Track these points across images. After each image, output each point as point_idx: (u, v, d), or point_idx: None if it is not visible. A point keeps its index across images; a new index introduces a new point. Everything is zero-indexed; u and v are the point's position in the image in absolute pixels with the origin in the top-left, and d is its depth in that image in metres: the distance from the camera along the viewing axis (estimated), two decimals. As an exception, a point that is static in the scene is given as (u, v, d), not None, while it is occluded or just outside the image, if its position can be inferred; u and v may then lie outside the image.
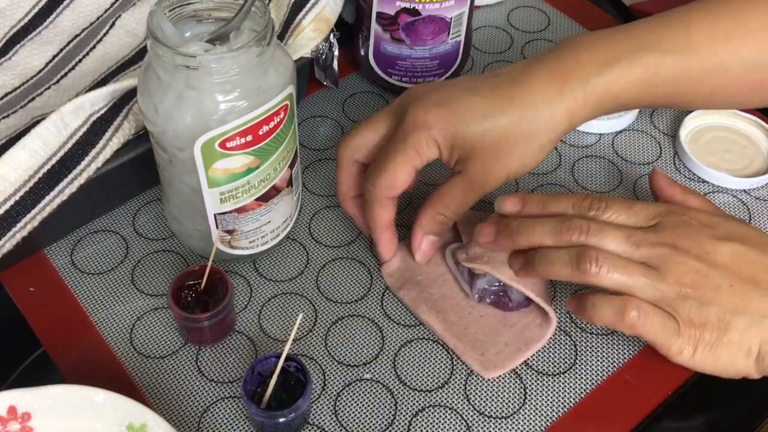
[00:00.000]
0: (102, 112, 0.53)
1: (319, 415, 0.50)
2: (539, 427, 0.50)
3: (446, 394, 0.51)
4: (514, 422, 0.50)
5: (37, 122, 0.52)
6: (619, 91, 0.50)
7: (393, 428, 0.50)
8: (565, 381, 0.52)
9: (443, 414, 0.51)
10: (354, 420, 0.50)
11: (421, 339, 0.54)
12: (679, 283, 0.47)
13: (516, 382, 0.52)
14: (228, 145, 0.47)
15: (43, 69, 0.64)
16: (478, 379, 0.52)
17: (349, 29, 0.68)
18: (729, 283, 0.47)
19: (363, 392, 0.51)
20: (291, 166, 0.53)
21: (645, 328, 0.48)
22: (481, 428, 0.50)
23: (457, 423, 0.50)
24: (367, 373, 0.52)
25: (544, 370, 0.52)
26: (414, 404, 0.51)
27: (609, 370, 0.52)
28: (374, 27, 0.64)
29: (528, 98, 0.49)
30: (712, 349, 0.48)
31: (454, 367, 0.53)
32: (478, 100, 0.49)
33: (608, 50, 0.50)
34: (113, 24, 0.66)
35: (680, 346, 0.48)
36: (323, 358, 0.53)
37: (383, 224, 0.54)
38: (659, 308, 0.48)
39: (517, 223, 0.50)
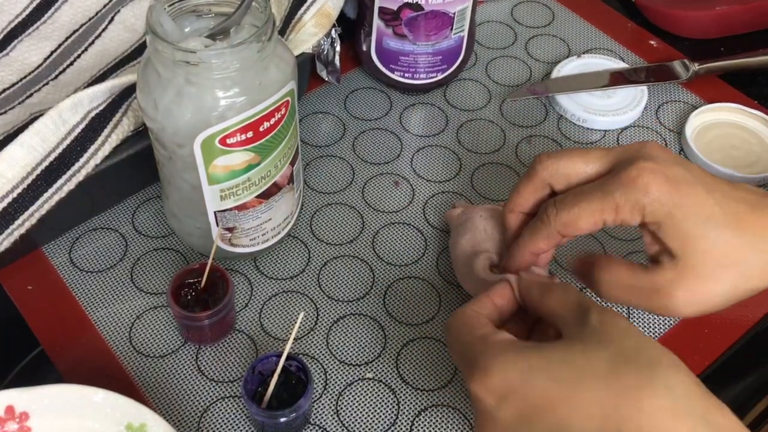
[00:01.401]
0: (101, 108, 0.53)
1: (320, 414, 0.50)
2: (543, 427, 0.50)
3: (449, 393, 0.51)
4: (517, 422, 0.50)
5: (35, 118, 0.52)
6: None
7: (395, 428, 0.50)
8: (570, 380, 0.52)
9: (446, 414, 0.50)
10: (356, 420, 0.50)
11: (423, 338, 0.54)
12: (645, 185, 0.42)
13: (520, 381, 0.52)
14: (228, 141, 0.47)
15: (41, 65, 0.64)
16: (482, 378, 0.52)
17: (351, 24, 0.68)
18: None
19: (365, 392, 0.51)
20: (292, 163, 0.53)
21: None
22: (485, 428, 0.50)
23: (460, 423, 0.50)
24: (369, 372, 0.52)
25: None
26: (417, 404, 0.51)
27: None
28: (376, 22, 0.64)
29: (761, 231, 0.42)
30: None
31: (457, 367, 0.52)
32: (711, 202, 0.42)
33: None
34: (112, 19, 0.66)
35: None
36: (325, 357, 0.53)
37: (532, 256, 0.47)
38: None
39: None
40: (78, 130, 0.52)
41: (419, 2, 0.61)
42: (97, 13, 0.66)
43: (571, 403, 0.36)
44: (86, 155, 0.52)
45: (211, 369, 0.52)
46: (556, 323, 0.41)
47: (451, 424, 0.50)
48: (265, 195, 0.52)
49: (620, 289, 0.44)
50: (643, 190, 0.42)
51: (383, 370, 0.52)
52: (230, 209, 0.51)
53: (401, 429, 0.50)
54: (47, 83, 0.62)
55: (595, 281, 0.45)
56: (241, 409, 0.50)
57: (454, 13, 0.62)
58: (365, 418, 0.50)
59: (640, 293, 0.43)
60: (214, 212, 0.51)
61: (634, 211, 0.43)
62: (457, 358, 0.42)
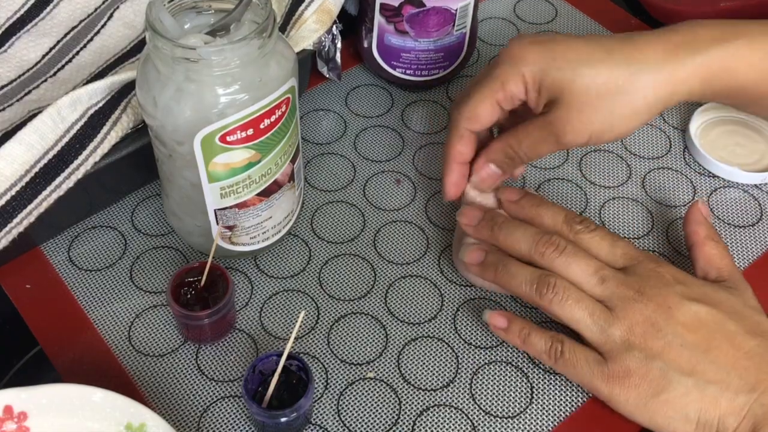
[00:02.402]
0: (100, 105, 0.53)
1: (321, 414, 0.50)
2: (547, 426, 0.50)
3: (451, 393, 0.51)
4: (520, 422, 0.50)
5: (34, 116, 0.52)
6: (736, 68, 0.47)
7: (397, 428, 0.50)
8: (573, 380, 0.51)
9: (448, 413, 0.50)
10: (357, 420, 0.50)
11: (425, 337, 0.53)
12: (630, 331, 0.46)
13: (523, 380, 0.51)
14: (228, 139, 0.47)
15: (39, 61, 0.64)
16: (484, 377, 0.52)
17: (352, 21, 0.68)
18: (680, 341, 0.45)
19: (366, 391, 0.51)
20: (293, 161, 0.53)
21: (566, 369, 0.48)
22: (487, 428, 0.50)
23: (462, 423, 0.50)
24: (370, 371, 0.52)
25: (551, 368, 0.52)
26: (418, 403, 0.50)
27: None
28: (378, 19, 0.63)
29: (632, 54, 0.47)
30: (646, 404, 0.45)
31: (460, 366, 0.52)
32: (580, 45, 0.48)
33: (728, 28, 0.47)
34: (111, 15, 0.66)
35: (610, 391, 0.46)
36: (326, 356, 0.52)
37: (456, 157, 0.53)
38: (592, 350, 0.47)
39: (502, 219, 0.50)
40: (77, 127, 0.52)
41: (421, -2, 0.61)
42: (96, 10, 0.66)
43: (729, 313, 0.47)
44: (85, 153, 0.52)
45: (211, 368, 0.52)
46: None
47: (452, 424, 0.50)
48: (266, 193, 0.52)
49: (533, 147, 0.50)
50: (516, 60, 0.48)
51: (385, 370, 0.52)
52: (230, 207, 0.51)
53: (403, 429, 0.49)
54: (46, 80, 0.62)
55: (516, 154, 0.51)
56: (241, 408, 0.50)
57: (456, 10, 0.62)
58: (366, 417, 0.50)
59: (543, 140, 0.49)
60: (214, 210, 0.51)
61: (517, 81, 0.49)
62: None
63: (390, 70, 0.67)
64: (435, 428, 0.50)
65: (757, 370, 0.44)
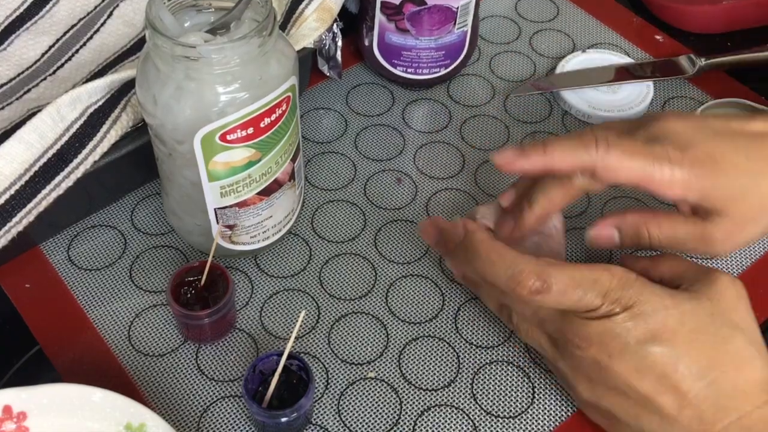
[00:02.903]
0: (99, 103, 0.53)
1: (321, 414, 0.50)
2: (548, 426, 0.50)
3: (452, 393, 0.51)
4: (522, 422, 0.50)
5: (33, 114, 0.51)
6: None
7: (398, 428, 0.49)
8: (575, 380, 0.51)
9: (449, 413, 0.50)
10: (358, 420, 0.49)
11: (426, 337, 0.53)
12: (573, 374, 0.46)
13: (524, 380, 0.51)
14: (229, 137, 0.47)
15: (39, 60, 0.63)
16: (485, 377, 0.51)
17: (352, 19, 0.68)
18: (624, 389, 0.43)
19: (367, 391, 0.51)
20: (293, 160, 0.52)
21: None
22: (488, 428, 0.49)
23: (463, 423, 0.49)
24: (371, 371, 0.52)
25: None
26: (419, 403, 0.50)
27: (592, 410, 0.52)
28: (378, 17, 0.63)
29: None
30: (605, 427, 0.47)
31: (461, 366, 0.52)
32: (742, 159, 0.46)
33: None
34: (111, 14, 0.66)
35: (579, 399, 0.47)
36: (326, 356, 0.52)
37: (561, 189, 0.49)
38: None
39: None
40: (76, 126, 0.52)
41: (422, -4, 0.60)
42: (95, 8, 0.66)
43: (690, 347, 0.42)
44: (85, 151, 0.52)
45: (211, 368, 0.51)
46: (672, 281, 0.46)
47: (454, 424, 0.49)
48: (266, 192, 0.51)
49: (672, 242, 0.48)
50: (685, 168, 0.45)
51: (385, 370, 0.52)
52: (230, 206, 0.51)
53: (404, 429, 0.49)
54: (45, 78, 0.62)
55: (646, 236, 0.49)
56: (241, 408, 0.50)
57: (457, 8, 0.62)
58: (367, 417, 0.50)
59: (688, 243, 0.48)
60: (214, 209, 0.51)
61: (675, 185, 0.46)
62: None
63: (391, 69, 0.67)
64: (436, 428, 0.49)
65: (699, 419, 0.42)
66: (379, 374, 0.51)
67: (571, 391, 0.48)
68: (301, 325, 0.53)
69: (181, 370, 0.51)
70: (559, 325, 0.45)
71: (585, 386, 0.45)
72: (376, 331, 0.53)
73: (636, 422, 0.43)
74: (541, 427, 0.49)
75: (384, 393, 0.51)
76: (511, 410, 0.50)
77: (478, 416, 0.50)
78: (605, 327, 0.43)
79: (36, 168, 0.51)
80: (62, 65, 0.63)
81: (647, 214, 0.49)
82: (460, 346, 0.53)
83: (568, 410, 0.50)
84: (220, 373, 0.51)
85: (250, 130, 0.47)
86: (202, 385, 0.51)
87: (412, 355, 0.52)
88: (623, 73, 0.67)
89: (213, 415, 0.49)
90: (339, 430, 0.49)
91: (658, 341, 0.42)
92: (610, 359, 0.43)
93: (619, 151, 0.45)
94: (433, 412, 0.50)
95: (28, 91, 0.61)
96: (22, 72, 0.62)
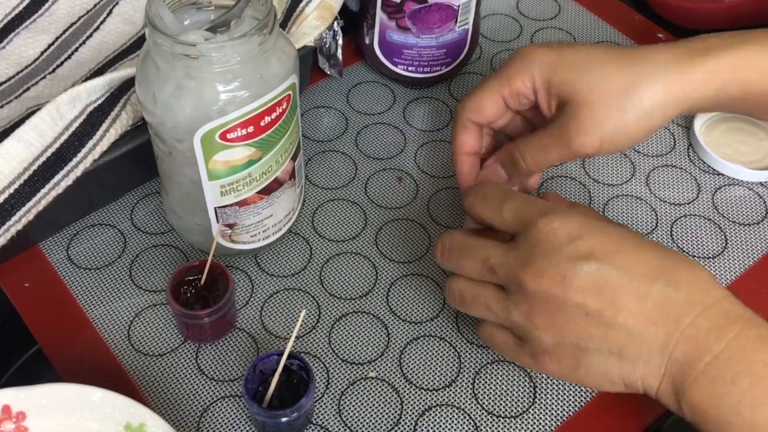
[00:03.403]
0: (99, 102, 0.53)
1: (322, 414, 0.50)
2: (550, 426, 0.49)
3: (453, 392, 0.51)
4: (523, 421, 0.49)
5: (32, 113, 0.51)
6: (748, 74, 0.47)
7: (399, 428, 0.49)
8: (577, 380, 0.51)
9: (450, 413, 0.50)
10: (358, 419, 0.49)
11: (427, 336, 0.53)
12: (530, 313, 0.43)
13: (525, 380, 0.51)
14: (229, 136, 0.47)
15: (38, 58, 0.63)
16: (487, 377, 0.51)
17: (353, 17, 0.68)
18: (585, 311, 0.42)
19: (368, 391, 0.51)
20: (293, 158, 0.52)
21: (495, 348, 0.47)
22: (490, 428, 0.49)
23: (464, 422, 0.49)
24: (372, 371, 0.51)
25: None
26: (420, 403, 0.50)
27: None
28: (379, 15, 0.63)
29: (642, 57, 0.47)
30: (572, 375, 0.44)
31: (462, 365, 0.52)
32: (590, 48, 0.48)
33: (738, 37, 0.47)
34: (110, 12, 0.66)
35: (538, 367, 0.45)
36: (327, 355, 0.52)
37: (463, 149, 0.53)
38: (510, 333, 0.46)
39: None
40: (76, 124, 0.52)
41: (423, -6, 0.60)
42: (95, 6, 0.66)
43: (637, 257, 0.42)
44: (84, 150, 0.52)
45: (211, 368, 0.51)
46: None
47: (455, 424, 0.49)
48: (266, 191, 0.51)
49: (542, 154, 0.49)
50: (526, 59, 0.49)
51: (386, 369, 0.51)
52: (230, 205, 0.51)
53: (404, 429, 0.49)
54: (44, 77, 0.62)
55: (521, 157, 0.50)
56: (241, 408, 0.50)
57: (459, 6, 0.62)
58: (368, 417, 0.50)
59: (552, 149, 0.49)
60: (215, 208, 0.51)
61: (525, 79, 0.49)
62: (507, 211, 0.46)
63: (392, 67, 0.66)
64: (437, 428, 0.49)
65: (665, 320, 0.41)
66: (380, 374, 0.51)
67: (532, 347, 0.44)
68: (301, 325, 0.53)
69: (181, 370, 0.51)
70: (508, 265, 0.44)
71: (545, 328, 0.43)
72: (376, 330, 0.53)
73: (605, 344, 0.42)
74: (543, 426, 0.49)
75: (385, 393, 0.51)
76: (512, 410, 0.50)
77: (480, 416, 0.50)
78: (550, 247, 0.42)
79: (35, 167, 0.51)
80: (62, 63, 0.63)
81: (517, 140, 0.51)
82: (462, 346, 0.53)
83: (569, 410, 0.50)
84: (220, 373, 0.51)
85: (251, 129, 0.47)
86: (202, 384, 0.51)
87: (413, 354, 0.52)
88: (625, 72, 0.67)
89: (213, 415, 0.49)
90: (340, 430, 0.49)
91: (605, 256, 0.42)
92: (561, 284, 0.42)
93: (470, 92, 0.52)
94: (434, 412, 0.50)
95: (28, 89, 0.61)
96: (22, 70, 0.62)
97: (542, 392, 0.51)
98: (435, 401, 0.50)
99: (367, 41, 0.66)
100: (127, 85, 0.53)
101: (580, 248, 0.42)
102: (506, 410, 0.50)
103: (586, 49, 0.48)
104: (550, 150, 0.49)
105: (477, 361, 0.52)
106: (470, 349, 0.53)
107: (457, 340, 0.53)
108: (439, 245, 0.48)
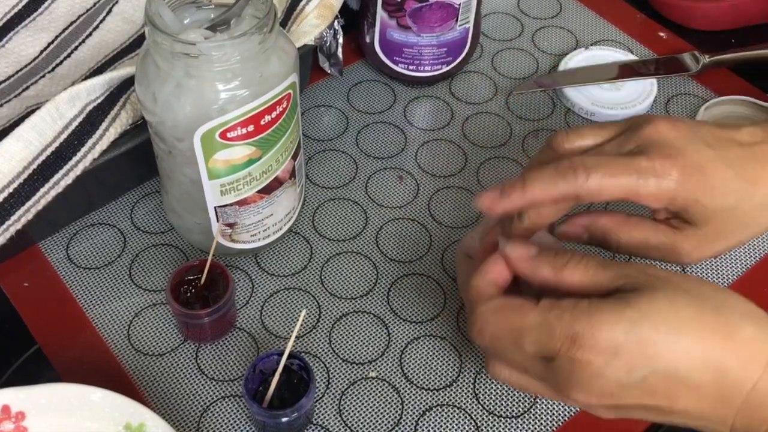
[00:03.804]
0: (98, 101, 0.53)
1: (322, 414, 0.49)
2: (551, 426, 0.49)
3: (454, 392, 0.50)
4: (524, 421, 0.49)
5: (32, 112, 0.51)
6: None
7: (399, 428, 0.49)
8: (578, 380, 0.51)
9: (451, 413, 0.50)
10: (359, 419, 0.49)
11: (428, 336, 0.53)
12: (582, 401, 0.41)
13: (527, 381, 0.51)
14: (229, 135, 0.47)
15: (37, 57, 0.63)
16: (488, 377, 0.51)
17: (353, 16, 0.67)
18: (642, 407, 0.41)
19: (368, 391, 0.50)
20: (294, 157, 0.52)
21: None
22: (491, 428, 0.49)
23: (465, 422, 0.49)
24: (372, 371, 0.51)
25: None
26: (421, 403, 0.50)
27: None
28: (380, 13, 0.63)
29: (761, 180, 0.46)
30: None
31: (463, 365, 0.51)
32: (730, 175, 0.45)
33: None
34: (110, 10, 0.65)
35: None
36: (327, 355, 0.52)
37: (541, 216, 0.47)
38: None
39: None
40: (75, 123, 0.52)
41: (424, -7, 0.60)
42: (94, 4, 0.66)
43: (675, 349, 0.39)
44: (84, 149, 0.52)
45: (211, 368, 0.51)
46: (588, 291, 0.42)
47: (456, 424, 0.49)
48: (267, 190, 0.51)
49: (643, 249, 0.47)
50: (672, 180, 0.44)
51: (387, 369, 0.51)
52: (231, 204, 0.51)
53: (405, 429, 0.49)
54: (44, 76, 0.62)
55: (615, 242, 0.47)
56: (241, 408, 0.50)
57: (459, 4, 0.61)
58: (368, 417, 0.49)
59: (656, 252, 0.47)
60: (215, 207, 0.51)
61: (661, 197, 0.44)
62: (526, 337, 0.41)
63: (392, 66, 0.66)
64: (438, 428, 0.49)
65: (721, 403, 0.41)
66: (380, 374, 0.51)
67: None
68: (301, 325, 0.53)
69: (181, 370, 0.51)
70: (538, 368, 0.42)
71: (605, 413, 0.42)
72: (377, 330, 0.53)
73: (666, 421, 0.42)
74: (544, 426, 0.49)
75: (385, 393, 0.50)
76: (513, 410, 0.50)
77: (481, 416, 0.49)
78: (584, 375, 0.40)
79: (35, 166, 0.51)
80: (61, 62, 0.63)
81: (618, 220, 0.48)
82: (462, 345, 0.53)
83: (570, 410, 0.50)
84: (220, 373, 0.51)
85: (251, 128, 0.47)
86: (202, 384, 0.50)
87: (414, 354, 0.52)
88: (626, 71, 0.67)
89: (213, 415, 0.49)
90: (340, 430, 0.49)
91: (644, 366, 0.39)
92: (612, 398, 0.41)
93: (599, 173, 0.43)
94: (434, 412, 0.50)
95: (27, 88, 0.61)
96: (21, 69, 0.62)
97: (543, 392, 0.51)
98: (436, 401, 0.50)
99: (367, 40, 0.66)
100: (127, 84, 0.53)
101: (620, 368, 0.39)
102: (507, 410, 0.50)
103: (722, 169, 0.45)
104: (655, 251, 0.47)
105: (478, 361, 0.52)
106: (471, 348, 0.52)
107: (457, 340, 0.53)
108: (476, 326, 0.43)
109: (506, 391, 0.50)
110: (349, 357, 0.52)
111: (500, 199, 0.44)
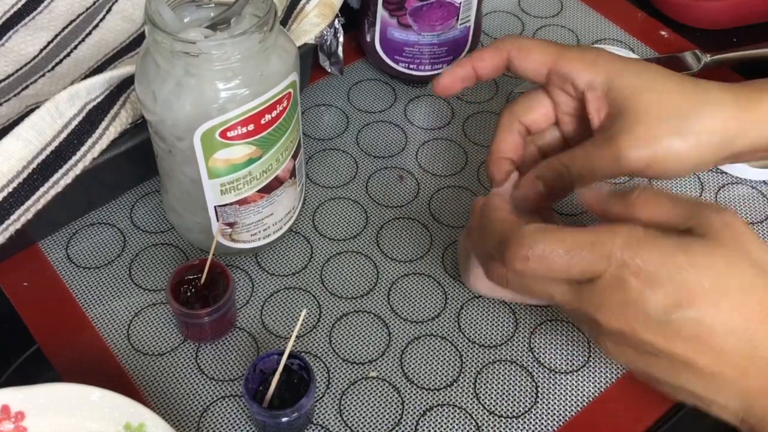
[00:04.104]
0: (98, 100, 0.53)
1: (323, 414, 0.49)
2: (552, 426, 0.49)
3: (455, 392, 0.50)
4: (525, 422, 0.49)
5: (31, 111, 0.51)
6: None
7: (400, 428, 0.49)
8: (579, 378, 0.51)
9: (452, 413, 0.50)
10: (359, 419, 0.49)
11: (429, 336, 0.53)
12: (602, 320, 0.41)
13: (527, 379, 0.51)
14: (229, 134, 0.46)
15: (37, 56, 0.63)
16: (488, 376, 0.51)
17: (354, 14, 0.67)
18: (682, 362, 0.40)
19: (369, 391, 0.50)
20: (294, 157, 0.52)
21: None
22: (492, 428, 0.49)
23: (466, 422, 0.49)
24: (373, 370, 0.51)
25: (556, 367, 0.51)
26: (422, 403, 0.50)
27: (624, 367, 0.51)
28: (380, 12, 0.63)
29: (704, 87, 0.46)
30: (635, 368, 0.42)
31: (463, 365, 0.51)
32: (652, 65, 0.46)
33: None
34: (110, 9, 0.65)
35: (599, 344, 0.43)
36: (327, 355, 0.52)
37: (505, 151, 0.50)
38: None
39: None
40: (75, 122, 0.52)
41: (424, -9, 0.60)
42: (94, 3, 0.66)
43: (718, 307, 0.38)
44: (83, 148, 0.52)
45: (211, 367, 0.51)
46: (661, 227, 0.41)
47: (456, 424, 0.49)
48: (267, 189, 0.51)
49: (589, 169, 0.46)
50: (595, 52, 0.47)
51: (387, 369, 0.51)
52: (231, 204, 0.51)
53: (406, 429, 0.49)
54: (43, 75, 0.62)
55: (567, 170, 0.47)
56: (241, 408, 0.49)
57: (460, 3, 0.61)
58: (369, 417, 0.49)
59: (600, 156, 0.46)
60: (215, 207, 0.51)
61: (587, 71, 0.47)
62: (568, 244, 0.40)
63: (393, 65, 0.66)
64: (438, 428, 0.49)
65: (741, 373, 0.40)
66: (381, 373, 0.51)
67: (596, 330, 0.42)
68: (302, 324, 0.53)
69: (181, 370, 0.51)
70: (572, 297, 0.41)
71: (614, 349, 0.42)
72: (377, 330, 0.53)
73: (675, 381, 0.41)
74: (545, 426, 0.49)
75: (386, 392, 0.50)
76: (514, 410, 0.50)
77: (481, 416, 0.49)
78: (621, 299, 0.39)
79: (34, 165, 0.50)
80: (61, 61, 0.62)
81: (560, 153, 0.48)
82: (463, 345, 0.52)
83: (571, 410, 0.50)
84: (220, 373, 0.51)
85: (251, 127, 0.47)
86: (202, 384, 0.50)
87: (415, 354, 0.52)
88: (627, 69, 0.67)
89: (213, 414, 0.49)
90: (340, 429, 0.49)
91: (682, 306, 0.39)
92: (635, 331, 0.40)
93: (522, 40, 0.50)
94: (435, 412, 0.50)
95: (26, 87, 0.60)
96: (20, 68, 0.62)
97: (544, 392, 0.50)
98: (436, 401, 0.50)
99: (368, 39, 0.66)
100: (127, 83, 0.53)
101: (657, 301, 0.39)
102: (508, 410, 0.50)
103: (648, 64, 0.47)
104: (598, 160, 0.46)
105: (479, 361, 0.52)
106: (472, 348, 0.52)
107: (458, 340, 0.53)
108: (523, 249, 0.41)
109: (507, 391, 0.50)
110: (350, 357, 0.52)
111: (449, 70, 0.51)
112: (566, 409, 0.50)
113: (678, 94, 0.45)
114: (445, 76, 0.51)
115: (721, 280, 0.39)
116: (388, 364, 0.51)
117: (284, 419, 0.45)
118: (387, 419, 0.49)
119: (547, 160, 0.48)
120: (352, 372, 0.51)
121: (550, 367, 0.51)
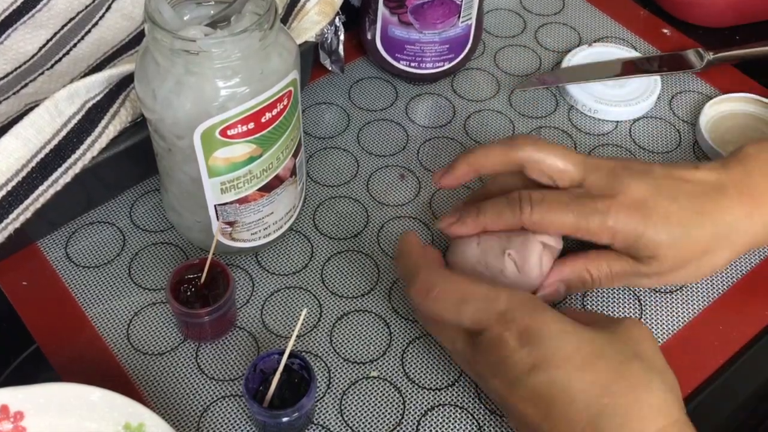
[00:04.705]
0: (98, 98, 0.52)
1: (323, 414, 0.49)
2: (553, 427, 0.49)
3: (456, 392, 0.50)
4: (527, 422, 0.49)
5: (30, 109, 0.51)
6: None
7: (401, 428, 0.49)
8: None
9: (453, 413, 0.49)
10: (360, 419, 0.49)
11: (429, 335, 0.52)
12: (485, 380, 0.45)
13: (529, 380, 0.51)
14: (229, 133, 0.46)
15: (36, 54, 0.63)
16: (490, 377, 0.51)
17: (355, 12, 0.67)
18: (524, 420, 0.43)
19: (370, 390, 0.50)
20: (294, 155, 0.52)
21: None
22: (493, 427, 0.49)
23: (467, 422, 0.49)
24: (373, 370, 0.51)
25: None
26: (423, 403, 0.50)
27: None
28: (381, 10, 0.63)
29: (718, 215, 0.49)
30: None
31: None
32: (675, 209, 0.48)
33: None
34: (109, 7, 0.65)
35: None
36: (328, 354, 0.52)
37: (481, 229, 0.51)
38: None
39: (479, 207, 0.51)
40: (74, 121, 0.51)
41: (426, -11, 0.60)
42: (93, 1, 0.66)
43: (582, 373, 0.41)
44: (83, 147, 0.52)
45: (211, 367, 0.51)
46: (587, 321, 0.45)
47: (457, 424, 0.49)
48: (267, 188, 0.51)
49: (613, 279, 0.51)
50: (611, 217, 0.48)
51: (388, 368, 0.51)
52: (231, 203, 0.50)
53: (407, 429, 0.49)
54: (42, 73, 0.61)
55: (590, 277, 0.51)
56: (242, 408, 0.49)
57: (462, 1, 0.61)
58: (370, 417, 0.49)
59: (625, 279, 0.51)
60: (215, 206, 0.51)
61: (603, 234, 0.48)
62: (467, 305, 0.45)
63: (394, 63, 0.66)
64: (440, 428, 0.49)
65: None
66: (381, 373, 0.51)
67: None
68: (302, 324, 0.53)
69: (181, 369, 0.51)
70: (465, 345, 0.45)
71: (503, 408, 0.45)
72: (378, 329, 0.53)
73: None
74: (547, 427, 0.49)
75: (387, 392, 0.50)
76: (516, 410, 0.50)
77: (483, 416, 0.49)
78: (500, 356, 0.42)
79: (33, 164, 0.50)
80: (60, 59, 0.62)
81: (585, 259, 0.50)
82: (465, 345, 0.52)
83: (574, 410, 0.50)
84: (221, 373, 0.51)
85: (251, 125, 0.47)
86: (202, 384, 0.50)
87: (416, 353, 0.52)
88: (630, 68, 0.67)
89: (213, 414, 0.49)
90: (341, 429, 0.49)
91: (550, 368, 0.41)
92: (508, 390, 0.43)
93: (542, 208, 0.48)
94: (436, 412, 0.49)
95: (26, 85, 0.60)
96: (19, 66, 0.62)
97: (546, 392, 0.50)
98: (438, 401, 0.50)
99: (369, 37, 0.66)
100: (126, 81, 0.53)
101: (526, 358, 0.42)
102: (510, 410, 0.50)
103: (666, 205, 0.48)
104: (624, 279, 0.51)
105: (480, 361, 0.52)
106: (473, 348, 0.52)
107: (460, 339, 0.53)
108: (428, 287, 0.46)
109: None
110: (351, 356, 0.52)
111: (458, 226, 0.51)
112: (568, 409, 0.50)
113: (696, 239, 0.49)
114: (450, 181, 0.53)
115: (597, 352, 0.42)
116: (389, 364, 0.51)
117: (285, 419, 0.45)
118: (388, 419, 0.49)
119: (570, 263, 0.51)
120: (353, 371, 0.51)
121: (552, 366, 0.51)
